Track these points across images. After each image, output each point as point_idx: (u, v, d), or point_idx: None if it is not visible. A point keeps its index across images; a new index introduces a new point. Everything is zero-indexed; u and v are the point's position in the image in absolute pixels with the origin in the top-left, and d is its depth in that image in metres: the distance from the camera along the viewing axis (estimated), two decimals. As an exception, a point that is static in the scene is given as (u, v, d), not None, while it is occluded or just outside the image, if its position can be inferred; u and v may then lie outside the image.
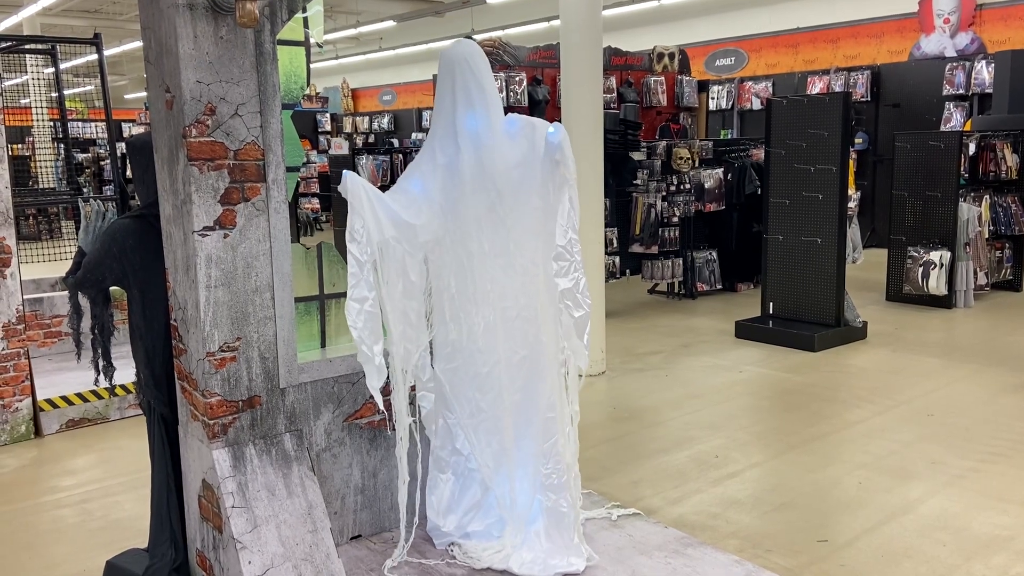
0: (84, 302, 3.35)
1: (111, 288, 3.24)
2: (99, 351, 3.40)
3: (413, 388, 3.30)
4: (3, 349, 5.36)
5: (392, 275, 3.03)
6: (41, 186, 13.70)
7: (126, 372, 3.56)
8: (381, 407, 3.06)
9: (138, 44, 18.97)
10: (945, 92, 12.94)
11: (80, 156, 16.49)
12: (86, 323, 3.40)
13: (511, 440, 3.18)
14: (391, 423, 3.18)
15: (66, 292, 3.46)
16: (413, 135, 20.16)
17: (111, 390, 5.67)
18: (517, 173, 3.07)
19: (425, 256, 3.15)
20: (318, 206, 17.91)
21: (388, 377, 3.03)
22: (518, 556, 3.10)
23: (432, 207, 3.12)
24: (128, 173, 10.22)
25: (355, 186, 2.95)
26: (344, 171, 3.04)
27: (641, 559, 3.14)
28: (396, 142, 18.74)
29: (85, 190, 14.53)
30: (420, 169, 3.18)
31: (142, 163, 3.13)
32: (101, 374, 3.45)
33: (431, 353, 3.30)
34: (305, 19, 3.38)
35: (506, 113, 3.18)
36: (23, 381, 5.44)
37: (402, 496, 3.16)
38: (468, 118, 3.07)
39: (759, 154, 9.91)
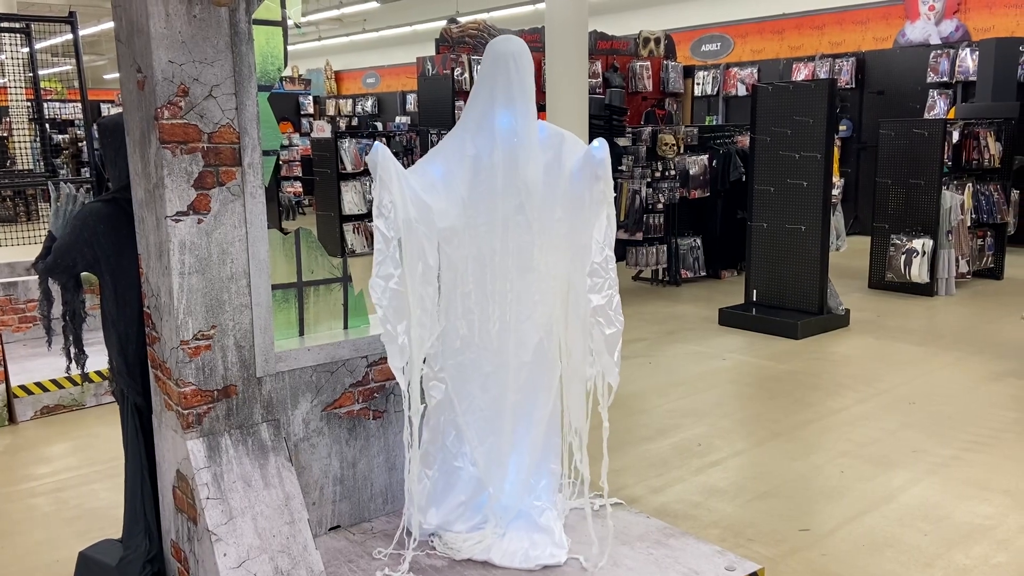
0: (55, 288, 3.27)
1: (83, 274, 3.16)
2: (70, 338, 3.33)
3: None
4: (-25, 334, 5.26)
5: (412, 256, 2.94)
6: (19, 167, 13.47)
7: (100, 358, 3.48)
8: (404, 389, 2.97)
9: (117, 23, 18.65)
10: (929, 80, 12.96)
11: (58, 137, 16.25)
12: (57, 309, 3.33)
13: (508, 442, 3.15)
14: (407, 405, 3.03)
15: (40, 276, 3.37)
16: (397, 119, 20.01)
17: (85, 377, 5.58)
18: (545, 179, 3.04)
19: (438, 244, 3.07)
20: (300, 190, 17.78)
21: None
22: (499, 547, 3.07)
23: (452, 195, 3.05)
24: (105, 155, 10.03)
25: (385, 159, 2.86)
26: (376, 143, 2.96)
27: (623, 549, 3.11)
28: (380, 125, 18.62)
29: (62, 171, 14.32)
30: (445, 155, 3.10)
31: (114, 145, 3.05)
32: (72, 362, 3.38)
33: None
34: (283, -2, 3.29)
35: None
36: (-4, 367, 5.34)
37: (410, 482, 3.10)
38: (506, 115, 3.00)
39: (744, 141, 9.89)
